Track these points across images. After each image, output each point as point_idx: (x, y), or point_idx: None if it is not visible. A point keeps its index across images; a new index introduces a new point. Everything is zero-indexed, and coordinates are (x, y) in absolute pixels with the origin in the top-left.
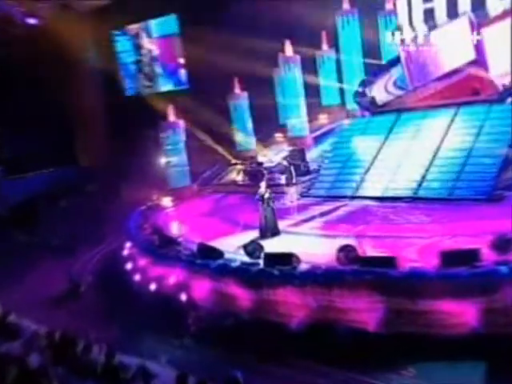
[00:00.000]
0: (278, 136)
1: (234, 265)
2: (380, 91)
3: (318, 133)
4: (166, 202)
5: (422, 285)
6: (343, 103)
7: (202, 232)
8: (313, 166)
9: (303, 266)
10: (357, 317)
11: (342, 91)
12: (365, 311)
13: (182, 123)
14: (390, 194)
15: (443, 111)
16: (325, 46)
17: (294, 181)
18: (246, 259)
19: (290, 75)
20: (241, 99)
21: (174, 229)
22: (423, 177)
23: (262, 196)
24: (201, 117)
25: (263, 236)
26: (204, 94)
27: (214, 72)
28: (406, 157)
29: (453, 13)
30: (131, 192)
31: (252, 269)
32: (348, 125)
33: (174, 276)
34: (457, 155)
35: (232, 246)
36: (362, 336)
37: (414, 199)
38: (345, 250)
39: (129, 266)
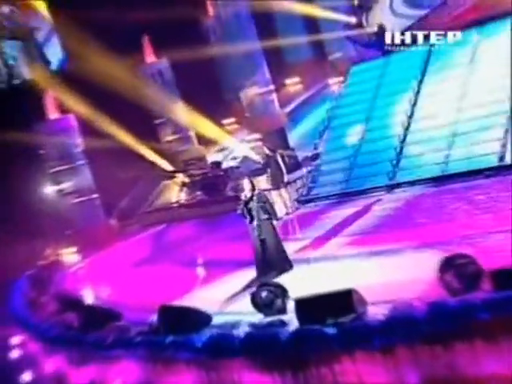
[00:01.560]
0: (229, 123)
1: (238, 333)
2: (386, 16)
3: (294, 104)
4: (70, 254)
5: None
6: (322, 53)
7: (149, 291)
8: (303, 154)
9: (376, 311)
10: None
11: (314, 30)
12: None
13: (73, 120)
14: (454, 169)
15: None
16: None
17: (285, 179)
18: (258, 318)
19: (231, 20)
20: (159, 69)
21: (97, 294)
22: (507, 130)
23: (247, 204)
24: (102, 105)
25: (263, 274)
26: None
27: (111, 30)
28: (463, 105)
29: None
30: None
31: (279, 333)
32: (347, 78)
33: (122, 377)
34: None
35: (209, 303)
36: None
37: (499, 169)
38: (453, 264)
39: (27, 376)
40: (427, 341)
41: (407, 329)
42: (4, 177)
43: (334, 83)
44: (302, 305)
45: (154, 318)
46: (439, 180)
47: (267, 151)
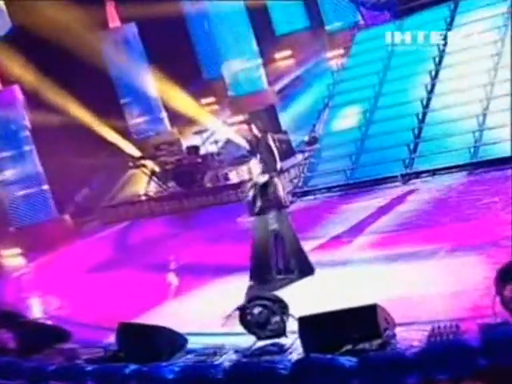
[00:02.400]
0: (208, 102)
1: (221, 361)
2: None
3: (286, 81)
4: (12, 257)
5: None
6: (318, 21)
7: (108, 303)
8: (298, 138)
9: (408, 335)
10: None
11: None
12: None
13: (18, 92)
14: (487, 154)
15: None
16: None
17: (278, 166)
18: (249, 341)
19: None
20: (126, 36)
21: (44, 307)
22: None
23: (264, 190)
24: (55, 73)
25: (265, 281)
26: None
27: None
28: (497, 77)
29: None
30: None
31: (277, 363)
32: (352, 47)
33: None
34: None
35: (183, 321)
36: None
37: None
38: None
39: None
40: (483, 377)
41: (454, 361)
42: None
43: (334, 57)
44: (308, 325)
45: (112, 338)
46: (468, 168)
47: (256, 131)
